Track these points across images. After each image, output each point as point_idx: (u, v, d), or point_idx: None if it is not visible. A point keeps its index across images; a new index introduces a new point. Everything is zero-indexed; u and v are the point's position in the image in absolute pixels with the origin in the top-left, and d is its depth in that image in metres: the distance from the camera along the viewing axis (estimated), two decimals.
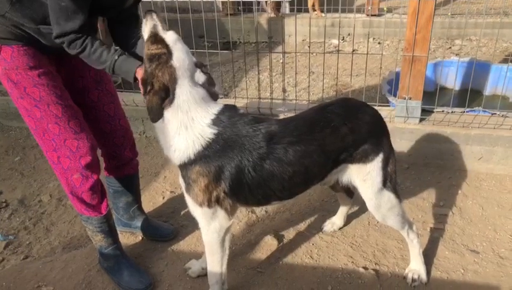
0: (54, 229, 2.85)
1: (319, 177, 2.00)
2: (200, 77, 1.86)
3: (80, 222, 2.87)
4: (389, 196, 2.05)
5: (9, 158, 3.68)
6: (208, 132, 1.79)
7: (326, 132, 1.89)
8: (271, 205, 2.04)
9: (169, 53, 1.77)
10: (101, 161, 2.33)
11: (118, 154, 2.39)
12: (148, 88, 1.76)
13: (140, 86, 1.81)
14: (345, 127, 1.92)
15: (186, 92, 1.78)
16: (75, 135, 2.01)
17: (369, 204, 2.09)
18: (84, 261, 2.47)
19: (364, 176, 2.01)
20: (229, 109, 1.87)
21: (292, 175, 1.87)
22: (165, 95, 1.75)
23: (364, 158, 1.98)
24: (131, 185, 2.55)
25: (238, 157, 1.79)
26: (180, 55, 1.78)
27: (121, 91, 3.62)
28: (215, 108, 1.84)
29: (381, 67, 3.46)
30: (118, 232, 2.42)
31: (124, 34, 2.06)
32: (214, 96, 1.90)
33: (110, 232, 2.27)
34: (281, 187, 1.90)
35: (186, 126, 1.79)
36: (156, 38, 1.79)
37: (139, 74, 1.83)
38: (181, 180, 1.94)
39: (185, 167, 1.85)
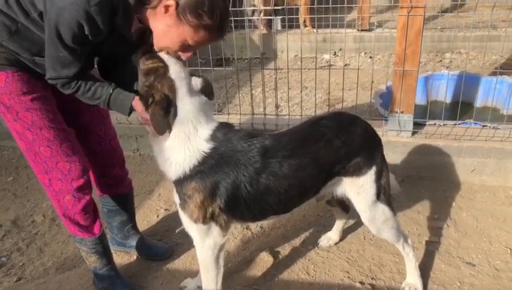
0: (48, 249, 2.81)
1: (313, 190, 2.01)
2: (197, 81, 1.89)
3: (74, 242, 2.84)
4: (383, 209, 2.06)
5: (2, 178, 3.66)
6: (205, 146, 1.80)
7: (320, 145, 1.91)
8: (267, 219, 2.04)
9: (165, 66, 1.80)
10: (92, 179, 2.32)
11: (107, 172, 2.38)
12: (150, 100, 1.76)
13: (137, 104, 1.82)
14: (338, 140, 1.93)
15: (187, 103, 1.80)
16: (67, 158, 2.00)
17: (364, 217, 2.09)
18: (78, 282, 2.44)
19: (358, 189, 2.02)
20: (224, 126, 1.89)
21: (288, 188, 1.87)
22: (167, 105, 1.76)
23: (357, 171, 1.99)
24: (125, 204, 2.54)
25: (233, 173, 1.80)
26: (176, 67, 1.81)
27: None
28: (212, 123, 1.86)
29: (372, 81, 3.51)
30: (112, 251, 2.40)
31: (120, 71, 2.03)
32: (210, 96, 1.93)
33: (105, 253, 2.25)
34: (277, 201, 1.90)
35: (189, 137, 1.80)
36: (150, 54, 1.82)
37: (137, 103, 1.82)
38: (175, 197, 1.93)
39: (180, 182, 1.85)
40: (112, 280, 2.29)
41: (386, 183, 2.06)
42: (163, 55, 1.83)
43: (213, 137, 1.82)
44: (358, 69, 3.28)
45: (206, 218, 1.86)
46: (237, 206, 1.87)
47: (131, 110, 1.86)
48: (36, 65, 1.85)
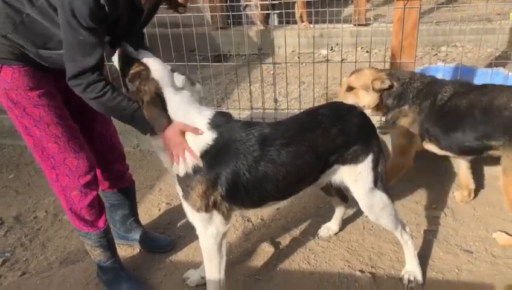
0: (51, 244, 2.84)
1: (311, 178, 2.05)
2: (179, 79, 1.93)
3: (77, 237, 2.87)
4: (381, 196, 2.10)
5: (4, 176, 3.68)
6: (208, 137, 1.85)
7: (317, 133, 1.95)
8: (267, 206, 2.08)
9: (146, 68, 1.86)
10: None
11: (109, 168, 2.41)
12: (140, 103, 1.84)
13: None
14: (335, 128, 1.98)
15: (174, 98, 1.86)
16: (75, 154, 2.02)
17: (362, 204, 2.14)
18: (82, 275, 2.47)
19: (355, 177, 2.07)
20: (222, 114, 1.94)
21: (286, 175, 1.91)
22: (160, 100, 1.82)
23: (355, 159, 2.04)
24: (127, 197, 2.56)
25: (233, 162, 1.84)
26: (156, 67, 1.87)
27: None
28: (207, 112, 1.91)
29: None
30: (116, 244, 2.43)
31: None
32: (193, 88, 1.98)
33: (109, 246, 2.28)
34: (276, 188, 1.94)
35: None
36: (129, 58, 1.87)
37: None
38: (178, 188, 1.97)
39: (185, 176, 1.89)
40: (116, 272, 2.32)
41: (382, 171, 2.11)
42: (141, 55, 1.89)
43: (213, 126, 1.87)
44: (355, 62, 3.31)
45: (209, 206, 1.90)
46: (237, 194, 1.91)
47: (151, 130, 1.88)
48: (41, 58, 1.86)
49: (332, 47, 6.51)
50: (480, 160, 3.11)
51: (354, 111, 2.12)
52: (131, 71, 1.85)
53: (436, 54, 5.77)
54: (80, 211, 2.13)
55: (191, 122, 1.86)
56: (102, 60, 1.77)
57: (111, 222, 2.62)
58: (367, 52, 6.16)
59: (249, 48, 5.89)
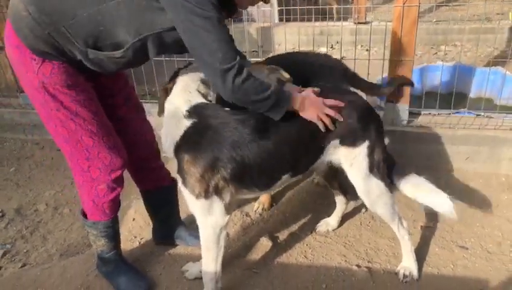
0: (51, 237, 2.87)
1: (313, 155, 2.08)
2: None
3: (77, 230, 2.90)
4: (376, 183, 2.13)
5: (4, 169, 3.70)
6: (186, 121, 1.91)
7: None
8: (280, 183, 2.10)
9: None
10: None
11: (143, 166, 2.40)
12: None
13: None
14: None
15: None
16: (109, 150, 2.03)
17: (358, 190, 2.17)
18: (82, 266, 2.50)
19: (351, 160, 2.10)
20: (207, 103, 1.99)
21: (290, 150, 1.96)
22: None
23: (352, 141, 2.06)
24: (169, 196, 2.54)
25: (230, 140, 1.85)
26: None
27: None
28: (197, 100, 1.97)
29: (368, 73, 3.56)
30: (155, 243, 2.56)
31: None
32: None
33: (114, 237, 2.30)
34: (286, 158, 1.98)
35: (176, 107, 1.96)
36: None
37: (297, 100, 1.90)
38: (178, 175, 1.99)
39: (177, 157, 1.94)
40: (117, 264, 2.35)
41: (380, 159, 2.12)
42: None
43: (198, 109, 1.93)
44: (354, 60, 3.34)
45: (209, 192, 1.91)
46: (246, 173, 1.91)
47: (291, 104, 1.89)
48: (86, 57, 1.81)
49: (332, 45, 6.53)
50: (476, 159, 3.15)
51: (357, 95, 2.19)
52: None
53: (436, 53, 5.80)
54: (102, 205, 2.14)
55: (180, 102, 1.96)
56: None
57: (153, 221, 2.63)
58: (367, 50, 6.18)
59: (249, 45, 5.91)
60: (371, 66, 3.35)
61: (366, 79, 2.81)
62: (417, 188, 2.24)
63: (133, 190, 3.19)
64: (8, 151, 3.95)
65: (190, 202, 1.97)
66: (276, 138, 1.92)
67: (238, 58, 1.75)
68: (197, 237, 2.43)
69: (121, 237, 2.44)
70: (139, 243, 2.68)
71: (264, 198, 2.90)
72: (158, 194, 2.51)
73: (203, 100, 1.97)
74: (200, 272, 2.32)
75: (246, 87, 1.76)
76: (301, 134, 1.98)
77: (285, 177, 2.07)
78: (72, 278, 2.41)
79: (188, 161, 1.88)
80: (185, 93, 1.96)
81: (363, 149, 2.07)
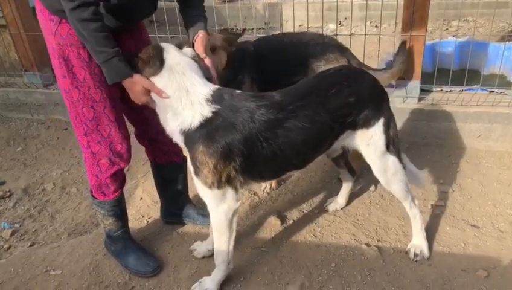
0: (59, 216, 2.88)
1: (328, 141, 2.04)
2: (188, 51, 1.92)
3: (84, 209, 2.90)
4: (393, 160, 2.10)
5: (11, 149, 3.70)
6: (207, 108, 1.82)
7: (330, 94, 1.94)
8: (286, 175, 2.10)
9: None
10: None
11: (157, 139, 2.35)
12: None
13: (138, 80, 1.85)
14: (347, 90, 1.97)
15: (176, 56, 1.85)
16: (108, 122, 2.02)
17: (374, 168, 2.14)
18: (91, 245, 2.50)
19: (367, 141, 2.06)
20: (225, 88, 1.92)
21: (305, 139, 1.91)
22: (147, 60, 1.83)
23: (366, 123, 2.02)
24: (179, 173, 2.52)
25: (245, 131, 1.81)
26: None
27: None
28: (210, 85, 1.89)
29: (379, 50, 3.47)
30: (163, 221, 2.53)
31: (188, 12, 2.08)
32: (206, 72, 1.94)
33: (121, 215, 2.30)
34: (296, 153, 1.94)
35: (186, 90, 1.83)
36: None
37: (129, 82, 1.84)
38: (189, 164, 1.95)
39: (190, 146, 1.87)
40: (125, 243, 2.35)
41: (394, 135, 2.10)
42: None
43: (218, 96, 1.84)
44: (365, 35, 3.25)
45: (221, 182, 1.88)
46: (255, 165, 1.89)
47: (120, 79, 1.84)
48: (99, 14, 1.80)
49: (340, 21, 6.39)
50: (488, 136, 3.08)
51: (364, 74, 2.11)
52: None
53: (447, 29, 5.65)
54: (104, 180, 2.14)
55: (192, 86, 1.83)
56: None
57: (162, 198, 2.61)
58: (376, 26, 6.04)
59: (256, 22, 5.80)
60: (381, 42, 3.26)
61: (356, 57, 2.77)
62: None
63: (140, 169, 3.20)
64: (14, 131, 3.94)
65: (202, 191, 1.93)
66: (290, 135, 1.87)
67: None
68: (206, 215, 2.40)
69: (129, 217, 2.44)
70: (147, 222, 2.67)
71: None
72: (168, 169, 2.48)
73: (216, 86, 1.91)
74: (209, 251, 2.33)
75: (80, 27, 1.73)
76: (315, 131, 1.92)
77: (292, 171, 2.08)
78: (80, 257, 2.42)
79: (203, 152, 1.82)
80: (193, 72, 1.87)
81: (378, 128, 2.03)
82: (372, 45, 4.60)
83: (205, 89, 1.85)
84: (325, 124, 1.93)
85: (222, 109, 1.82)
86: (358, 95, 1.98)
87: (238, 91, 1.94)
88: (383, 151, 2.07)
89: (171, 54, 1.85)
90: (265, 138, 1.84)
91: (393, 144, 2.09)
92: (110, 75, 1.83)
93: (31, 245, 2.63)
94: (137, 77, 1.83)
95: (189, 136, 1.84)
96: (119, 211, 2.27)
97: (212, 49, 2.26)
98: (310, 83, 2.06)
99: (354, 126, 2.03)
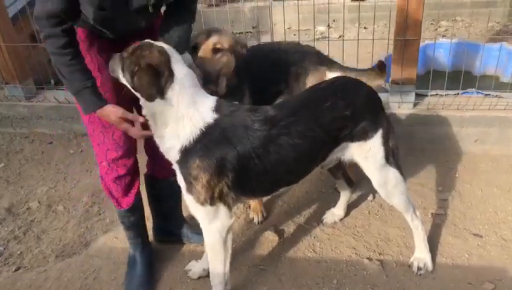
0: (45, 237, 2.74)
1: (322, 156, 1.97)
2: (188, 57, 1.84)
3: (72, 228, 2.78)
4: (393, 172, 2.03)
5: None
6: (210, 115, 1.74)
7: (324, 108, 1.86)
8: (278, 192, 2.03)
9: (149, 43, 1.74)
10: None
11: (157, 154, 2.28)
12: (136, 68, 1.67)
13: (112, 111, 1.80)
14: (342, 102, 1.89)
15: (182, 67, 1.73)
16: (102, 128, 2.00)
17: (374, 181, 2.07)
18: (80, 269, 2.38)
19: (365, 153, 1.99)
20: (223, 101, 1.84)
21: (297, 156, 1.84)
22: (155, 71, 1.67)
23: (364, 135, 1.95)
24: (173, 189, 2.34)
25: (240, 147, 1.74)
26: (161, 43, 1.76)
27: None
28: (210, 97, 1.80)
29: (372, 53, 3.40)
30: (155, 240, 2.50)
31: (171, 27, 1.96)
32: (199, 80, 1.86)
33: (130, 228, 2.27)
34: (288, 170, 1.88)
35: (194, 102, 1.73)
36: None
37: (112, 110, 1.80)
38: (180, 179, 1.85)
39: (184, 161, 1.77)
40: (130, 258, 2.33)
41: (394, 146, 2.03)
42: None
43: (216, 109, 1.76)
44: (358, 40, 3.18)
45: (214, 199, 1.80)
46: (247, 182, 1.83)
47: (92, 111, 1.81)
48: (100, 31, 1.85)
49: (329, 24, 6.32)
50: (485, 140, 3.03)
51: (359, 85, 2.03)
52: (132, 48, 1.73)
53: (436, 29, 5.62)
54: (108, 183, 2.15)
55: (196, 101, 1.74)
56: (70, 13, 1.67)
57: (154, 216, 2.51)
58: (365, 28, 6.00)
59: (244, 26, 5.71)
60: (370, 45, 3.20)
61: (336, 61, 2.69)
62: None
63: None
64: None
65: (194, 208, 1.85)
66: (282, 152, 1.80)
67: (51, 28, 1.65)
68: (200, 233, 2.31)
69: (119, 236, 2.33)
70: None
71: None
72: (165, 184, 2.37)
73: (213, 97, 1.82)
74: (204, 270, 2.24)
75: (52, 59, 1.73)
76: (307, 147, 1.85)
77: (284, 187, 2.04)
78: (69, 282, 2.30)
79: (199, 166, 1.73)
80: (196, 84, 1.78)
81: (377, 139, 1.95)
82: (362, 48, 4.56)
83: (208, 101, 1.77)
84: (318, 139, 1.86)
85: (222, 119, 1.75)
86: (354, 107, 1.90)
87: (236, 103, 1.86)
88: (383, 163, 2.00)
89: (179, 64, 1.74)
90: (258, 154, 1.77)
91: (392, 156, 2.02)
92: (84, 107, 1.82)
93: (16, 270, 2.49)
94: (109, 108, 1.79)
95: (187, 151, 1.75)
96: (128, 223, 2.25)
97: (215, 50, 2.13)
98: (304, 96, 1.97)
99: (351, 139, 1.95)
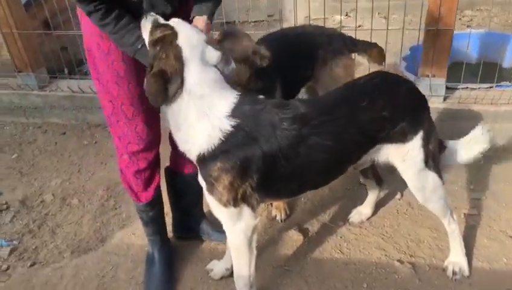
0: (60, 231, 2.66)
1: (355, 158, 1.85)
2: (213, 54, 1.66)
3: (88, 223, 2.69)
4: (432, 177, 1.90)
5: (6, 156, 3.45)
6: (227, 123, 1.61)
7: (361, 107, 1.73)
8: (304, 193, 1.91)
9: (174, 33, 1.60)
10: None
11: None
12: (148, 70, 1.60)
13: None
14: (380, 102, 1.75)
15: (196, 74, 1.59)
16: (126, 120, 1.93)
17: (411, 185, 1.95)
18: (96, 266, 2.30)
19: (403, 156, 1.85)
20: (247, 97, 1.69)
21: (328, 158, 1.72)
22: (165, 79, 1.56)
23: (402, 136, 1.81)
24: (195, 184, 2.33)
25: (266, 147, 1.62)
26: (186, 33, 1.61)
27: None
28: (231, 97, 1.65)
29: (387, 43, 3.25)
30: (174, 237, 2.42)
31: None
32: (227, 77, 1.72)
33: (148, 223, 2.20)
34: (317, 172, 1.78)
35: (204, 114, 1.61)
36: (158, 24, 1.63)
37: None
38: (200, 179, 1.75)
39: (204, 163, 1.67)
40: (148, 256, 2.26)
41: (434, 149, 1.89)
42: (174, 21, 1.64)
43: (236, 111, 1.63)
44: (371, 30, 3.04)
45: (237, 200, 1.69)
46: (273, 183, 1.73)
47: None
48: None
49: (347, 13, 6.15)
50: None
51: (402, 82, 1.90)
52: (156, 35, 1.60)
53: (460, 19, 5.41)
54: (128, 177, 2.09)
55: (210, 104, 1.61)
56: None
57: (174, 211, 2.42)
58: (385, 18, 5.81)
59: (258, 14, 5.56)
60: (391, 34, 3.07)
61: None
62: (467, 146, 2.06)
63: None
64: (9, 136, 3.69)
65: (217, 209, 1.75)
66: (312, 153, 1.68)
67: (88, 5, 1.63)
68: (221, 231, 2.21)
69: (136, 233, 2.23)
70: None
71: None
72: (187, 178, 2.28)
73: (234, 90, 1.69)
74: (226, 270, 2.14)
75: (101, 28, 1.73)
76: (340, 149, 1.74)
77: (312, 190, 1.95)
78: (86, 280, 2.22)
79: (220, 168, 1.62)
80: (218, 86, 1.64)
81: (416, 142, 1.82)
82: (380, 37, 4.40)
83: (225, 105, 1.63)
84: (352, 140, 1.74)
85: (243, 123, 1.62)
86: (393, 107, 1.77)
87: (261, 98, 1.73)
88: (421, 167, 1.86)
89: (192, 70, 1.59)
90: (285, 155, 1.65)
91: (432, 159, 1.88)
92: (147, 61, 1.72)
93: (31, 265, 2.41)
94: None
95: (205, 157, 1.65)
96: (146, 218, 2.17)
97: (239, 60, 1.88)
98: (339, 93, 1.83)
99: (388, 140, 1.82)
